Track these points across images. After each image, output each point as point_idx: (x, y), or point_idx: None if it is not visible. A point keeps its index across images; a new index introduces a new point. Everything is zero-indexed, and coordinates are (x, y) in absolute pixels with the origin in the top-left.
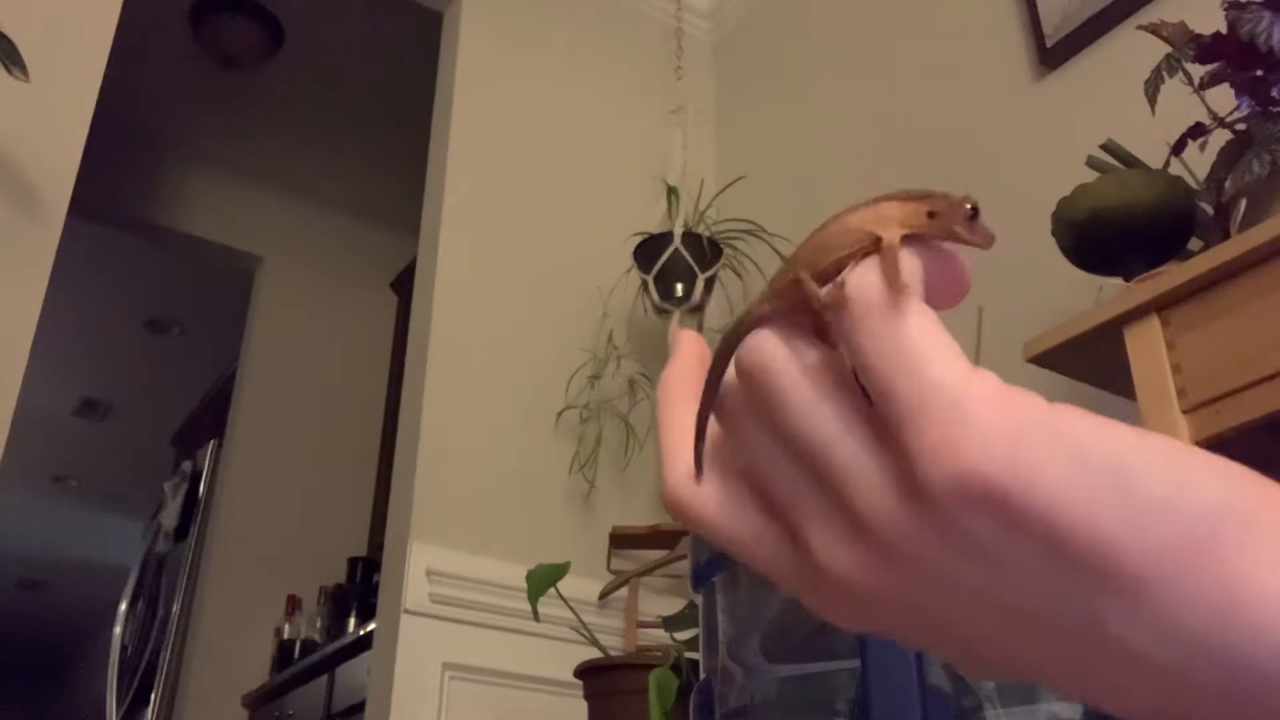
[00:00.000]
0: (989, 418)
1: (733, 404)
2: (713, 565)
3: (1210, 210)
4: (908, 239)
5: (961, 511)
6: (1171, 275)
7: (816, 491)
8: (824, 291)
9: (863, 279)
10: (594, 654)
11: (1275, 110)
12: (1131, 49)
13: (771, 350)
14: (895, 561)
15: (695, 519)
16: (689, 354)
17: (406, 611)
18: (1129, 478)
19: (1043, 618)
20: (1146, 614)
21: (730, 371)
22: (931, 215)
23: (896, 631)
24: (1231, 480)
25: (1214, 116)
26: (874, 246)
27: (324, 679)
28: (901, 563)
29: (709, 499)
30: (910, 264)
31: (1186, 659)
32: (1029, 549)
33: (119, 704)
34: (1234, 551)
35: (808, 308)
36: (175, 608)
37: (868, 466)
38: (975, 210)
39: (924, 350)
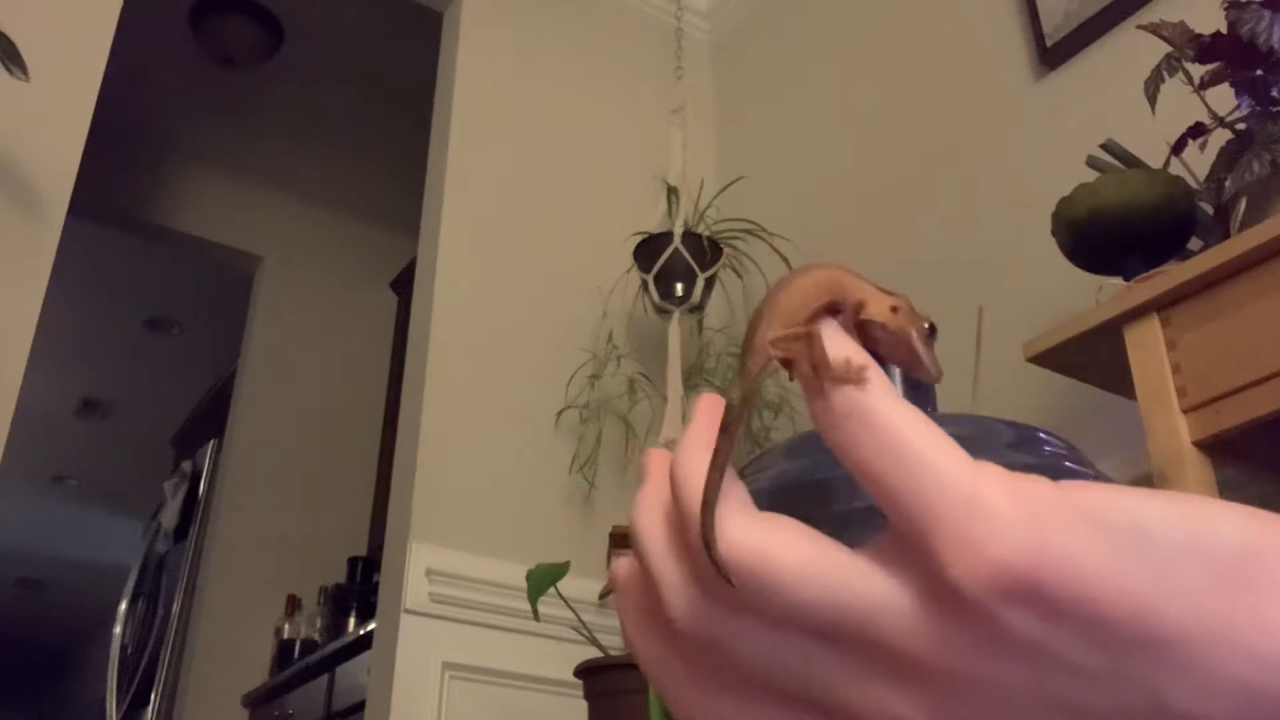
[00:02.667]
0: (1006, 509)
1: (707, 611)
2: None
3: (1210, 210)
4: (860, 323)
5: (1000, 609)
6: (1171, 275)
7: (838, 653)
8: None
9: (839, 390)
10: (594, 654)
11: (1275, 110)
12: (1131, 49)
13: (754, 545)
14: (949, 688)
15: None
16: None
17: (406, 611)
18: (1148, 534)
19: (1107, 711)
20: (1197, 675)
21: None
22: (894, 310)
23: None
24: (1249, 521)
25: (1214, 116)
26: (834, 308)
27: (324, 679)
28: (956, 688)
29: None
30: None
31: (1246, 715)
32: (1074, 635)
33: (119, 704)
34: (1266, 592)
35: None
36: (175, 607)
37: (888, 599)
38: (933, 329)
39: (921, 450)
